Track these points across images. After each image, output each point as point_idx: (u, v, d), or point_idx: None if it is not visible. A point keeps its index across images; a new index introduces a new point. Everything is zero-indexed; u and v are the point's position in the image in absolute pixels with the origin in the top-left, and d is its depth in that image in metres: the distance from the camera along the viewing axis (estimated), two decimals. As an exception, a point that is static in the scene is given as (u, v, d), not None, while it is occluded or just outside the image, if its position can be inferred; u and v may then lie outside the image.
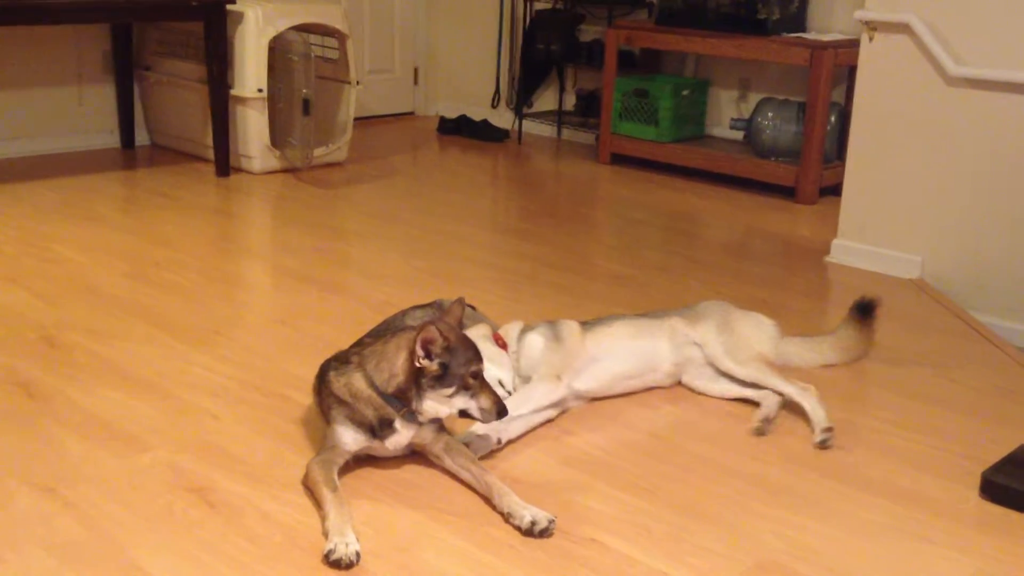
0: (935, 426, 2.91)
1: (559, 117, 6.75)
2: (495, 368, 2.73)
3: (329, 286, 3.90)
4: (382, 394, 2.43)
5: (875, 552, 2.28)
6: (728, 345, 3.00)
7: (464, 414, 2.45)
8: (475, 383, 2.40)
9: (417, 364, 2.37)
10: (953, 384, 3.21)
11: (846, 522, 2.39)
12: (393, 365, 2.43)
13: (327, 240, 4.54)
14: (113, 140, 5.96)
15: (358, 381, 2.45)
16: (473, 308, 3.11)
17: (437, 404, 2.42)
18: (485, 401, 2.41)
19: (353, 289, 3.90)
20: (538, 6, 6.60)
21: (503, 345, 2.86)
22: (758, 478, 2.60)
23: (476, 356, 2.42)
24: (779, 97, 5.62)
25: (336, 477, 2.35)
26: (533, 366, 2.84)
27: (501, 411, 2.43)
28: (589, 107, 6.50)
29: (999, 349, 3.51)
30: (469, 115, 6.91)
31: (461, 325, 2.53)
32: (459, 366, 2.38)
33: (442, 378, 2.38)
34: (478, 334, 2.77)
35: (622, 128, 6.01)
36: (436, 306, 2.78)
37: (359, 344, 2.59)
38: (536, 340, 2.87)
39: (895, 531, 2.37)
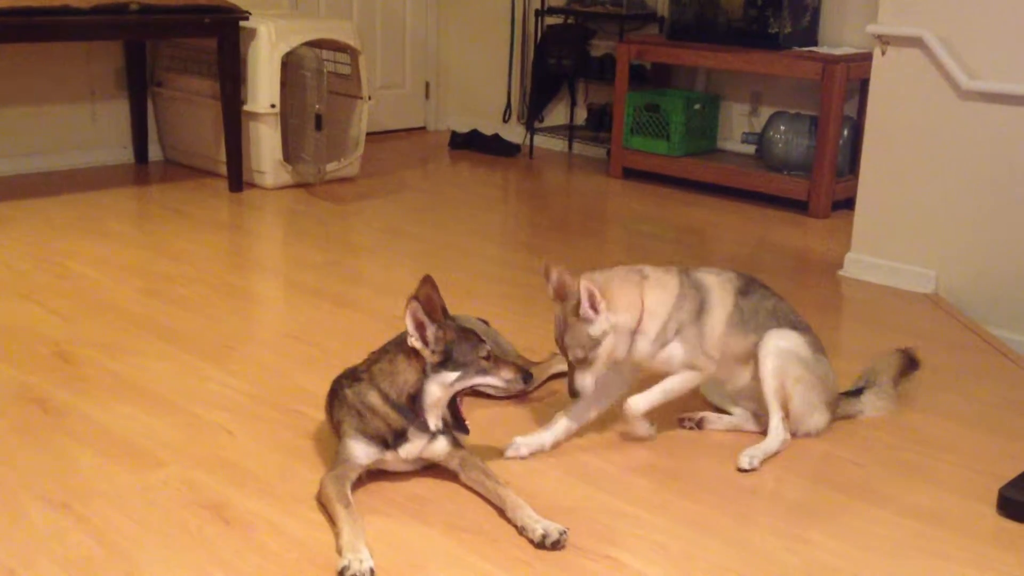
0: (950, 442, 2.89)
1: (570, 131, 6.76)
2: None
3: (341, 301, 3.90)
4: (396, 406, 2.45)
5: (891, 569, 2.27)
6: None
7: (455, 408, 2.48)
8: (489, 363, 2.45)
9: (409, 345, 2.40)
10: (968, 399, 3.19)
11: (861, 539, 2.38)
12: (405, 373, 2.45)
13: (339, 255, 4.55)
14: (126, 156, 5.98)
15: (371, 395, 2.47)
16: (486, 323, 3.12)
17: (440, 391, 2.44)
18: (507, 373, 2.47)
19: (365, 304, 3.90)
20: (549, 21, 6.62)
21: (594, 304, 2.59)
22: (773, 495, 2.59)
23: (480, 339, 2.48)
24: (791, 111, 5.62)
25: (349, 493, 2.35)
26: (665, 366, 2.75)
27: (527, 376, 2.50)
28: (600, 121, 6.51)
29: (1015, 364, 3.49)
30: (480, 130, 6.93)
31: (439, 300, 2.52)
32: (466, 354, 2.43)
33: (444, 364, 2.42)
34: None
35: (633, 142, 6.01)
36: (451, 318, 2.78)
37: (367, 361, 2.60)
38: (676, 350, 2.71)
39: (911, 548, 2.35)
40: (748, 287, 2.82)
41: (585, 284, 2.55)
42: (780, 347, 2.77)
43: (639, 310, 2.66)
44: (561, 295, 2.63)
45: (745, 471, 2.66)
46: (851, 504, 2.53)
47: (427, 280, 2.52)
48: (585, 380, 2.64)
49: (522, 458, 2.68)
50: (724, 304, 2.76)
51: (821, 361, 2.85)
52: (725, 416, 2.93)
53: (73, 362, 3.20)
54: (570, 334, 2.60)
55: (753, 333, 2.79)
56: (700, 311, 2.72)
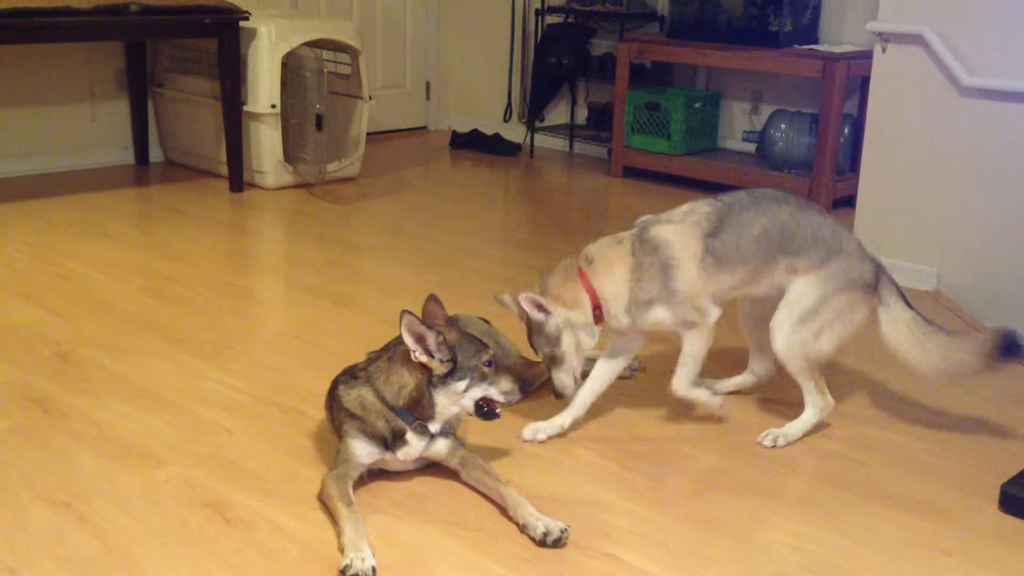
0: (952, 438, 2.89)
1: (571, 131, 6.76)
2: None
3: (342, 300, 3.90)
4: (393, 408, 2.44)
5: (892, 565, 2.27)
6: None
7: (480, 407, 2.45)
8: (490, 370, 2.44)
9: (414, 360, 2.39)
10: (970, 396, 3.18)
11: (863, 535, 2.37)
12: (401, 377, 2.44)
13: (340, 254, 4.55)
14: (127, 157, 5.98)
15: (369, 395, 2.46)
16: (487, 322, 3.11)
17: (449, 402, 2.43)
18: (506, 384, 2.46)
19: (366, 303, 3.90)
20: (549, 20, 6.62)
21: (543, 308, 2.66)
22: (774, 491, 2.58)
23: (482, 344, 2.47)
24: (791, 109, 5.62)
25: (351, 492, 2.35)
26: (659, 328, 2.78)
27: (524, 387, 2.49)
28: (601, 120, 6.50)
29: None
30: (481, 129, 6.93)
31: (448, 318, 2.55)
32: (469, 358, 2.41)
33: (452, 373, 2.40)
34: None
35: (634, 141, 6.01)
36: (451, 322, 2.78)
37: (366, 361, 2.60)
38: (661, 314, 2.71)
39: (912, 544, 2.35)
40: (722, 221, 2.74)
41: (523, 297, 2.65)
42: (788, 342, 2.75)
43: (588, 303, 2.71)
44: (523, 314, 2.73)
45: (767, 448, 2.77)
46: (852, 500, 2.53)
47: (431, 298, 2.55)
48: (563, 379, 2.72)
49: (539, 442, 2.75)
50: (690, 254, 2.69)
51: (846, 282, 2.75)
52: (731, 379, 3.05)
53: (74, 362, 3.20)
54: (534, 335, 2.71)
55: (749, 262, 2.73)
56: (664, 271, 2.68)
